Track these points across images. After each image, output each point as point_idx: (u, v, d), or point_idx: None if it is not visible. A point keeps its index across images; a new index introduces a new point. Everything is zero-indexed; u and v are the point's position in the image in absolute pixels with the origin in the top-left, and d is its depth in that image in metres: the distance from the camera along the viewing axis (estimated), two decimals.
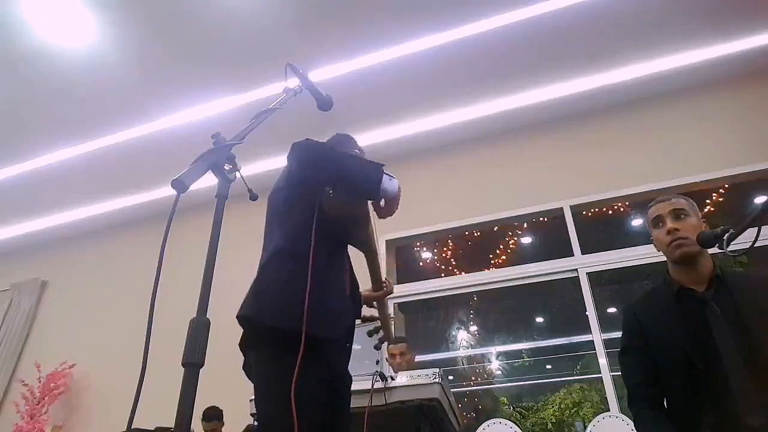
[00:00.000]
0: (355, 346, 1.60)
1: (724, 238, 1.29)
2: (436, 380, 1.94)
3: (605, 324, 3.60)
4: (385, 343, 1.88)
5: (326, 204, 1.39)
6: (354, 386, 1.55)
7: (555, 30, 3.49)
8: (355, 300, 1.57)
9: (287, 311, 1.26)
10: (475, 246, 4.81)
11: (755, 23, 3.52)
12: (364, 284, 1.69)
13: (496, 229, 4.46)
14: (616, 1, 3.32)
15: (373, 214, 1.52)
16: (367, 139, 4.28)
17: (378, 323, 1.76)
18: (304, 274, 1.27)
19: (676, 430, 1.43)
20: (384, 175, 1.33)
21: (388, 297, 1.74)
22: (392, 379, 1.97)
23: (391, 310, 1.80)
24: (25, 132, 4.28)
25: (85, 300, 5.23)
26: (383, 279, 1.71)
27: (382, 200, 1.35)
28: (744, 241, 1.26)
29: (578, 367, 6.75)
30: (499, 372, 7.37)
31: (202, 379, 0.85)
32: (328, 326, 1.29)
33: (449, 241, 4.79)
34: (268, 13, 3.34)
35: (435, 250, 5.17)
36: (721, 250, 1.30)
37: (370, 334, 1.74)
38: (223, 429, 3.39)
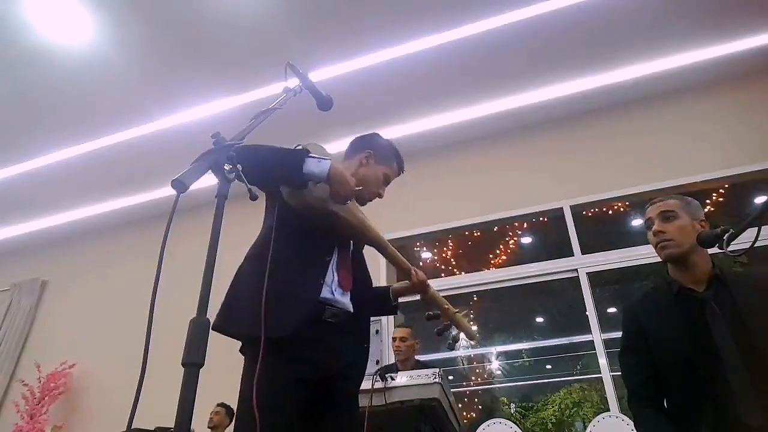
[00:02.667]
0: None
1: (724, 238, 1.29)
2: (436, 380, 1.94)
3: (605, 324, 3.60)
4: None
5: (288, 200, 1.39)
6: None
7: (555, 30, 3.49)
8: (359, 295, 1.54)
9: (242, 316, 1.29)
10: (475, 246, 4.80)
11: (755, 23, 3.52)
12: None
13: (496, 229, 4.46)
14: (616, 1, 3.32)
15: (354, 205, 1.50)
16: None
17: (447, 321, 1.65)
18: (262, 276, 1.29)
19: (676, 429, 1.43)
20: (309, 159, 1.32)
21: (426, 286, 1.62)
22: (392, 379, 1.97)
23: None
24: (25, 132, 4.28)
25: (85, 300, 5.23)
26: (409, 268, 1.61)
27: (318, 184, 1.34)
28: (744, 241, 1.26)
29: (578, 367, 6.75)
30: (499, 372, 7.37)
31: (202, 379, 0.85)
32: (279, 327, 1.26)
33: (449, 241, 4.79)
34: (269, 13, 3.34)
35: (435, 250, 5.17)
36: (721, 250, 1.30)
37: (439, 333, 1.66)
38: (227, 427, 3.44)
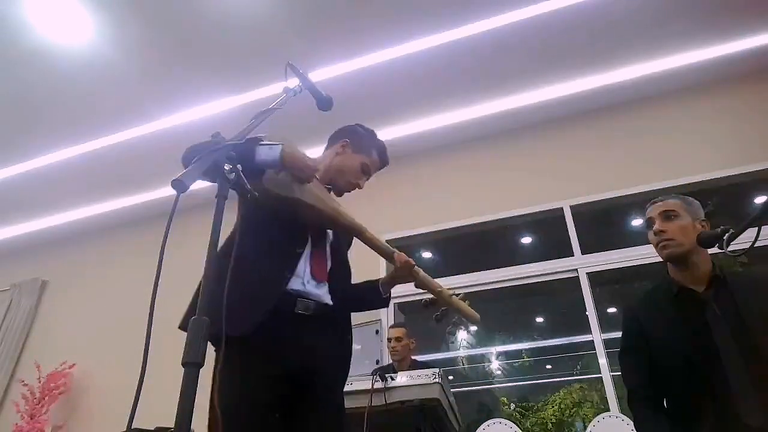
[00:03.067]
0: (355, 346, 1.59)
1: (724, 238, 1.29)
2: (436, 380, 1.94)
3: (605, 324, 3.60)
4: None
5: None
6: (354, 386, 1.54)
7: (555, 30, 3.49)
8: (340, 289, 1.51)
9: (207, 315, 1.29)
10: (475, 246, 4.80)
11: (755, 23, 3.52)
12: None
13: (496, 229, 4.46)
14: (616, 1, 3.32)
15: (323, 192, 1.46)
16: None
17: (444, 307, 1.58)
18: (226, 273, 1.25)
19: (676, 430, 1.43)
20: (260, 147, 1.30)
21: (412, 268, 1.53)
22: (392, 379, 1.97)
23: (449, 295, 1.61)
24: (25, 132, 4.28)
25: (85, 300, 5.23)
26: (391, 252, 1.53)
27: (280, 173, 1.32)
28: (744, 241, 1.26)
29: (578, 367, 6.75)
30: (499, 372, 7.37)
31: (202, 379, 0.85)
32: (239, 324, 1.23)
33: (449, 241, 4.78)
34: (269, 13, 3.34)
35: (435, 250, 5.17)
36: (721, 250, 1.30)
37: (437, 319, 1.59)
38: None
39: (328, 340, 1.44)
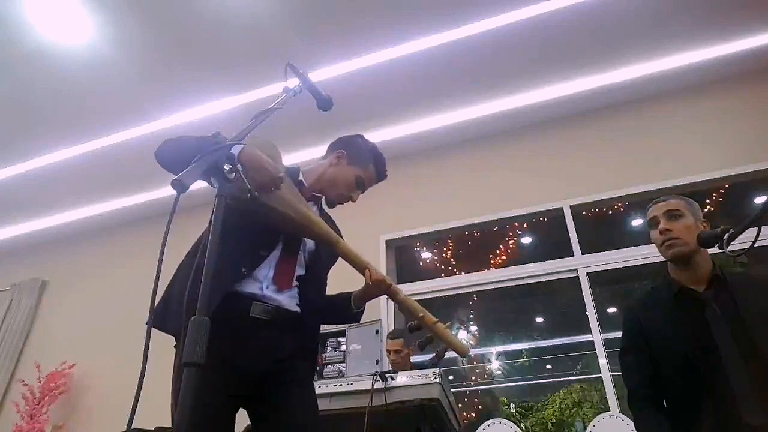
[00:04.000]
0: (355, 346, 1.59)
1: (724, 238, 1.29)
2: (436, 380, 1.94)
3: (605, 324, 3.60)
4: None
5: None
6: (354, 386, 1.54)
7: (555, 30, 3.49)
8: (310, 299, 1.48)
9: (171, 313, 1.29)
10: (475, 246, 4.81)
11: (755, 23, 3.52)
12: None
13: (496, 229, 4.46)
14: (616, 1, 3.32)
15: (296, 198, 1.40)
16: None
17: (429, 334, 1.50)
18: (190, 270, 1.19)
19: (676, 429, 1.43)
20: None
21: (386, 286, 1.45)
22: (392, 379, 1.97)
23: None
24: (25, 132, 4.28)
25: (85, 300, 5.23)
26: (364, 266, 1.45)
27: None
28: (744, 241, 1.26)
29: (578, 367, 6.75)
30: (499, 372, 7.37)
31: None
32: (175, 321, 1.24)
33: (449, 241, 4.79)
34: (269, 13, 3.34)
35: (435, 250, 5.17)
36: (721, 250, 1.30)
37: (421, 347, 1.55)
38: None
39: (283, 344, 1.38)
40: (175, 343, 1.34)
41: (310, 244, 1.52)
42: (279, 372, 1.34)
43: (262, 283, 1.37)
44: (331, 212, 1.68)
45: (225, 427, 1.28)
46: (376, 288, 1.47)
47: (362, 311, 1.59)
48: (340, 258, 1.49)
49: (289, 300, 1.43)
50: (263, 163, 1.23)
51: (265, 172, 1.23)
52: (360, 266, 1.45)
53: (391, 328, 3.92)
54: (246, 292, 1.35)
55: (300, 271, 1.49)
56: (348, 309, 1.55)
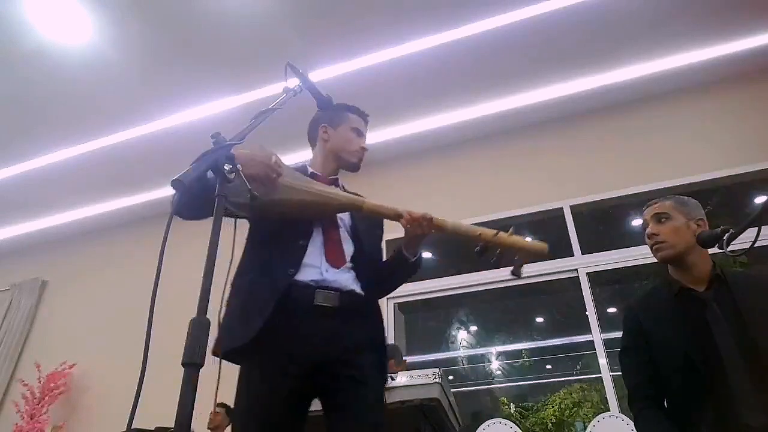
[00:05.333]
0: None
1: (724, 238, 1.29)
2: (436, 380, 1.94)
3: (605, 324, 3.60)
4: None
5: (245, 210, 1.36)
6: None
7: (555, 30, 3.49)
8: (366, 270, 1.46)
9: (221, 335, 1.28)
10: (475, 246, 4.80)
11: (755, 23, 3.52)
12: None
13: (496, 229, 4.45)
14: (616, 1, 3.32)
15: (300, 180, 1.40)
16: (366, 139, 4.27)
17: (483, 243, 1.38)
18: (232, 291, 1.33)
19: (676, 429, 1.43)
20: None
21: (426, 223, 1.38)
22: (392, 379, 1.97)
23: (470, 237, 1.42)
24: (25, 132, 4.28)
25: (85, 300, 5.23)
26: (398, 214, 1.40)
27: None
28: (744, 241, 1.26)
29: (578, 367, 6.75)
30: (499, 372, 7.37)
31: (202, 379, 0.85)
32: (232, 337, 1.26)
33: (449, 241, 4.78)
34: (269, 13, 3.34)
35: (435, 250, 5.16)
36: (721, 250, 1.30)
37: (480, 254, 1.38)
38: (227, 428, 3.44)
39: (350, 330, 1.35)
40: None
41: (347, 219, 1.52)
42: (344, 366, 1.31)
43: (320, 268, 1.38)
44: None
45: (286, 420, 1.27)
46: (417, 229, 1.40)
47: (420, 257, 1.52)
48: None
49: (348, 279, 1.41)
50: (252, 155, 1.25)
51: (257, 163, 1.26)
52: (394, 216, 1.42)
53: (391, 328, 3.92)
54: (306, 281, 1.35)
55: (349, 247, 1.47)
56: (404, 262, 1.49)
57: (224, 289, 1.25)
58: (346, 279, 1.40)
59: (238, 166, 1.09)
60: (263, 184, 1.26)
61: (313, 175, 1.57)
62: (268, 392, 1.27)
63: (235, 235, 1.31)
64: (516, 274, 1.38)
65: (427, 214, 1.39)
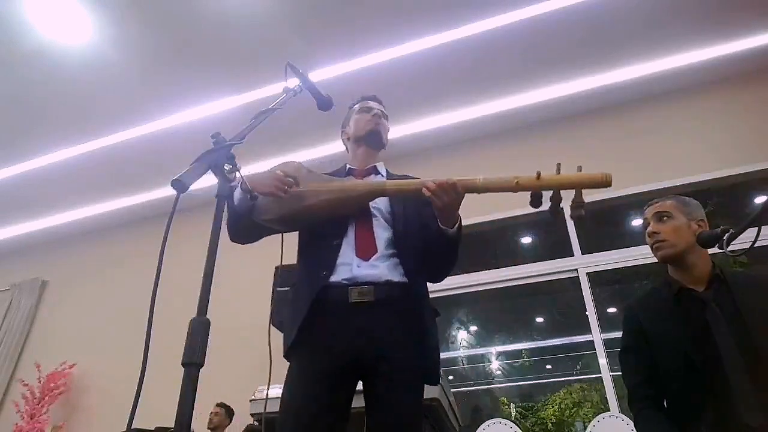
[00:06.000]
0: None
1: (724, 238, 1.29)
2: None
3: (605, 324, 3.60)
4: None
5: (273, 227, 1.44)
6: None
7: (554, 30, 3.49)
8: (410, 253, 1.42)
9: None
10: (475, 246, 4.80)
11: (755, 23, 3.52)
12: None
13: (496, 229, 4.46)
14: (616, 1, 3.32)
15: (318, 180, 1.44)
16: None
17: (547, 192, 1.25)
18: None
19: (675, 429, 1.43)
20: (232, 197, 1.37)
21: (450, 188, 1.28)
22: None
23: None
24: (25, 132, 4.28)
25: (85, 300, 5.23)
26: (417, 188, 1.32)
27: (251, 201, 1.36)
28: (744, 241, 1.26)
29: (578, 367, 6.75)
30: (499, 372, 7.37)
31: (203, 379, 0.85)
32: (287, 336, 1.38)
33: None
34: (268, 13, 3.34)
35: None
36: (721, 250, 1.30)
37: (535, 204, 1.24)
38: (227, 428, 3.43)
39: (388, 325, 1.32)
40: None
41: (384, 205, 1.49)
42: (381, 362, 1.29)
43: (351, 265, 1.37)
44: None
45: (322, 416, 1.27)
46: (443, 196, 1.29)
47: (459, 227, 1.39)
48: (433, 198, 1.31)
49: (384, 269, 1.37)
50: (255, 177, 1.31)
51: (263, 183, 1.31)
52: (414, 190, 1.32)
53: None
54: (339, 280, 1.35)
55: (386, 234, 1.44)
56: (443, 236, 1.37)
57: (272, 298, 1.38)
58: (381, 270, 1.37)
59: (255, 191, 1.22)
60: (283, 196, 1.31)
61: (350, 171, 1.62)
62: (306, 388, 1.30)
63: (283, 247, 1.38)
64: (577, 217, 1.20)
65: (451, 179, 1.29)
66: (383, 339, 1.31)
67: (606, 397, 3.30)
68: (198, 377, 0.85)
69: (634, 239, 3.90)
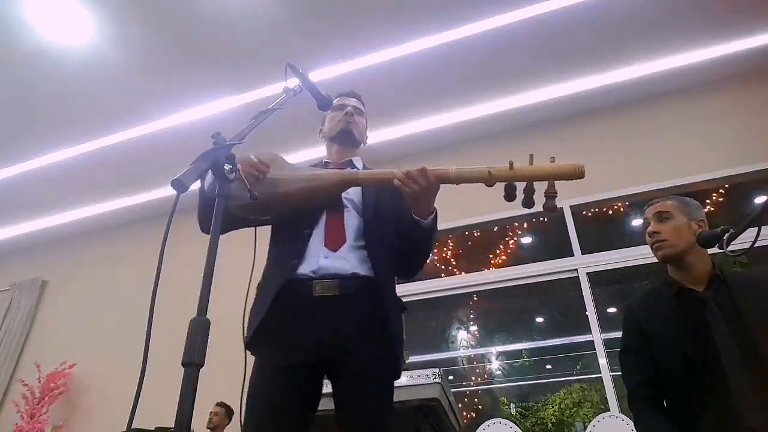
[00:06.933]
0: None
1: (724, 238, 1.29)
2: (436, 380, 1.94)
3: (605, 324, 3.60)
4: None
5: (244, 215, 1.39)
6: None
7: (554, 30, 3.49)
8: (379, 244, 1.40)
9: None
10: (475, 246, 4.80)
11: (755, 23, 3.52)
12: None
13: (496, 229, 4.46)
14: (616, 1, 3.32)
15: (288, 169, 1.41)
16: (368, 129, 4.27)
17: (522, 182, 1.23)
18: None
19: (675, 429, 1.43)
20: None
21: (421, 178, 1.30)
22: None
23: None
24: (25, 132, 4.28)
25: (85, 300, 5.23)
26: (389, 178, 1.30)
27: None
28: (744, 241, 1.26)
29: (578, 367, 6.74)
30: (499, 372, 7.37)
31: (202, 379, 0.85)
32: (249, 329, 1.36)
33: (449, 241, 4.78)
34: (269, 13, 3.34)
35: (435, 250, 5.17)
36: (721, 250, 1.30)
37: (506, 198, 1.23)
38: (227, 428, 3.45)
39: (358, 317, 1.30)
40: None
41: (357, 195, 1.47)
42: (347, 358, 1.27)
43: (318, 256, 1.35)
44: None
45: (286, 411, 1.26)
46: (412, 184, 1.29)
47: (434, 219, 1.39)
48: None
49: (357, 264, 1.35)
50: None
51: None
52: (388, 181, 1.30)
53: None
54: (305, 273, 1.33)
55: (357, 223, 1.42)
56: (416, 227, 1.35)
57: (247, 292, 1.35)
58: (348, 262, 1.35)
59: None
60: (256, 183, 1.28)
61: (326, 165, 1.62)
62: (270, 383, 1.29)
63: (256, 241, 1.36)
64: (549, 208, 1.18)
65: (421, 167, 1.30)
66: (347, 333, 1.28)
67: (606, 397, 3.31)
68: (198, 377, 0.85)
69: (634, 239, 3.90)
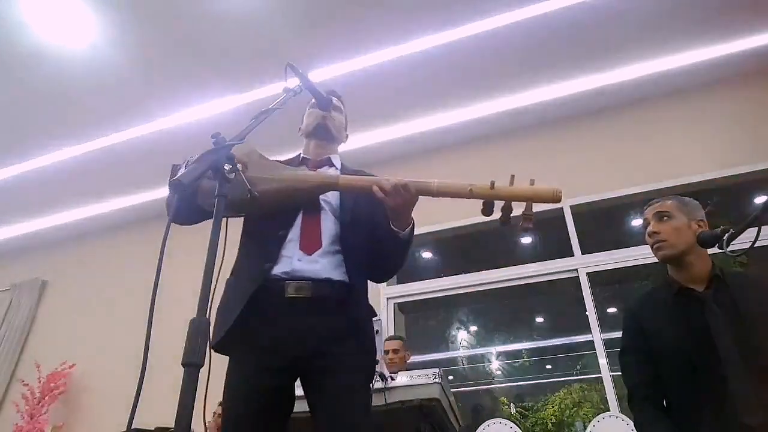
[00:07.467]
0: None
1: (724, 238, 1.29)
2: (436, 380, 1.94)
3: (605, 324, 3.60)
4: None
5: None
6: None
7: (554, 30, 3.49)
8: (354, 250, 1.40)
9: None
10: (475, 246, 4.80)
11: (755, 23, 3.52)
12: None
13: (496, 229, 4.46)
14: (616, 1, 3.32)
15: (268, 168, 1.37)
16: (367, 138, 4.27)
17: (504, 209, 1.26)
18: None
19: (675, 429, 1.43)
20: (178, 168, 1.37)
21: (401, 190, 1.29)
22: (392, 379, 1.97)
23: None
24: (25, 132, 4.28)
25: (85, 300, 5.23)
26: (368, 186, 1.30)
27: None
28: (744, 241, 1.26)
29: (578, 367, 6.75)
30: (499, 372, 7.38)
31: (202, 379, 0.85)
32: (219, 331, 1.31)
33: (449, 241, 4.79)
34: (269, 13, 3.34)
35: (435, 250, 5.17)
36: (721, 250, 1.30)
37: (484, 213, 1.26)
38: None
39: (331, 320, 1.31)
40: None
41: (334, 199, 1.46)
42: (320, 359, 1.27)
43: (292, 258, 1.34)
44: None
45: (261, 413, 1.26)
46: (396, 198, 1.28)
47: (412, 231, 1.39)
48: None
49: (331, 268, 1.36)
50: None
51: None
52: (368, 189, 1.30)
53: (391, 328, 3.92)
54: (278, 274, 1.33)
55: (333, 228, 1.41)
56: (394, 238, 1.35)
57: (214, 288, 1.28)
58: (321, 266, 1.35)
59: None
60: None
61: (304, 160, 1.59)
62: (244, 385, 1.28)
63: (227, 235, 1.32)
64: (524, 229, 1.24)
65: (402, 180, 1.30)
66: (319, 335, 1.29)
67: (606, 397, 3.30)
68: (198, 377, 0.85)
69: (634, 239, 3.90)
